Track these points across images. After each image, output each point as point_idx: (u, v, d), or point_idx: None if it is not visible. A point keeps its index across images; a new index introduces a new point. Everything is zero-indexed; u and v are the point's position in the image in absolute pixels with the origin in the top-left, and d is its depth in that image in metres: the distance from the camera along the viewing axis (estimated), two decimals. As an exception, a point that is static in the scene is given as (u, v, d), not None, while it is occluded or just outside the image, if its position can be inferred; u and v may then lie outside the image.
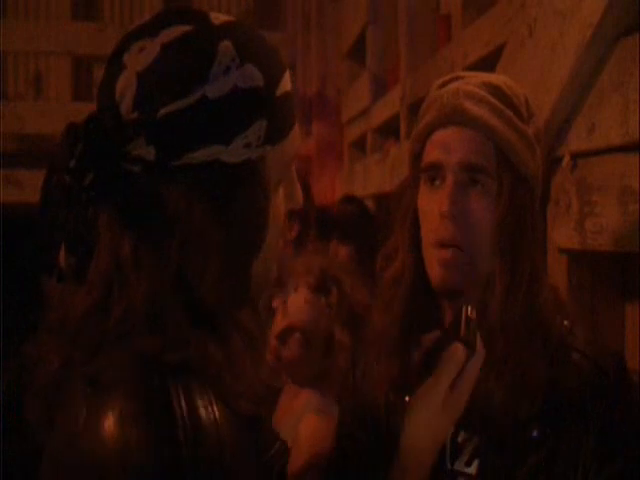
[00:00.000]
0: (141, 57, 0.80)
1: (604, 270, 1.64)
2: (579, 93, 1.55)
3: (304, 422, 1.62)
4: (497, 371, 1.05)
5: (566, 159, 1.60)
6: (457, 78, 1.18)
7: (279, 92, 0.84)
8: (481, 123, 1.11)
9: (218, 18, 0.84)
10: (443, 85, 1.18)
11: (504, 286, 1.09)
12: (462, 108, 1.11)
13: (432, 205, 1.12)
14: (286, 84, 0.86)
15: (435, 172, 1.13)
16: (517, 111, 1.13)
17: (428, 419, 0.95)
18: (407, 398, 0.98)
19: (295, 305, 1.68)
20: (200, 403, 0.78)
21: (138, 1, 7.61)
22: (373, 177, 3.98)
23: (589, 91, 1.52)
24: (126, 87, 0.80)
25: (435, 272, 1.12)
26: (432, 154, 1.14)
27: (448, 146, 1.12)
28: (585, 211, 1.51)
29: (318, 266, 1.71)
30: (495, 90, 1.13)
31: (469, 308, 1.01)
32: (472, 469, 1.10)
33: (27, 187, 5.58)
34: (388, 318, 1.18)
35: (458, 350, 0.96)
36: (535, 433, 1.07)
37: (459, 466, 1.10)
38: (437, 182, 1.13)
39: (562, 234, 1.59)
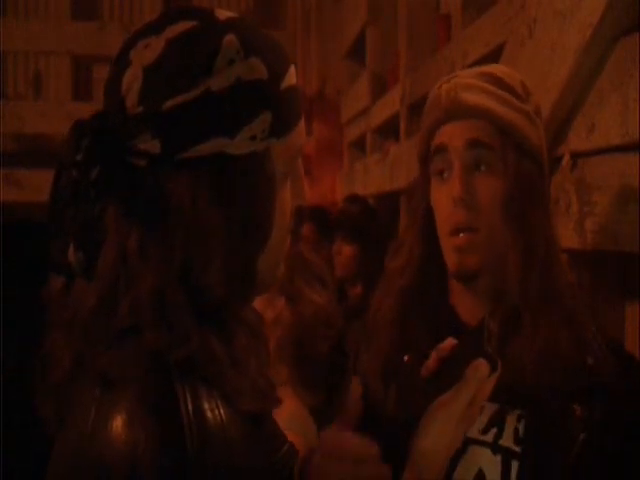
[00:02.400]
0: (147, 52, 0.81)
1: (604, 270, 1.63)
2: (579, 93, 1.55)
3: None
4: (528, 340, 1.06)
5: (566, 159, 1.60)
6: (455, 77, 1.20)
7: (284, 85, 0.84)
8: (479, 109, 1.13)
9: (223, 14, 0.85)
10: (442, 86, 1.20)
11: (520, 259, 1.10)
12: (459, 100, 1.14)
13: (443, 195, 1.15)
14: (291, 78, 0.86)
15: (442, 160, 1.15)
16: (512, 91, 1.15)
17: (444, 429, 0.92)
18: (406, 358, 0.98)
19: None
20: (207, 405, 0.78)
21: (138, 1, 7.61)
22: (373, 177, 3.98)
23: (589, 91, 1.52)
24: (132, 82, 0.80)
25: (451, 259, 1.15)
26: (438, 140, 1.16)
27: (452, 134, 1.15)
28: (585, 211, 1.51)
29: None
30: (489, 77, 1.16)
31: (491, 322, 1.01)
32: (489, 437, 1.09)
33: (26, 187, 5.59)
34: (389, 302, 1.20)
35: (481, 366, 0.94)
36: (576, 409, 1.06)
37: (472, 433, 1.09)
38: (445, 174, 1.15)
39: (562, 234, 1.59)
